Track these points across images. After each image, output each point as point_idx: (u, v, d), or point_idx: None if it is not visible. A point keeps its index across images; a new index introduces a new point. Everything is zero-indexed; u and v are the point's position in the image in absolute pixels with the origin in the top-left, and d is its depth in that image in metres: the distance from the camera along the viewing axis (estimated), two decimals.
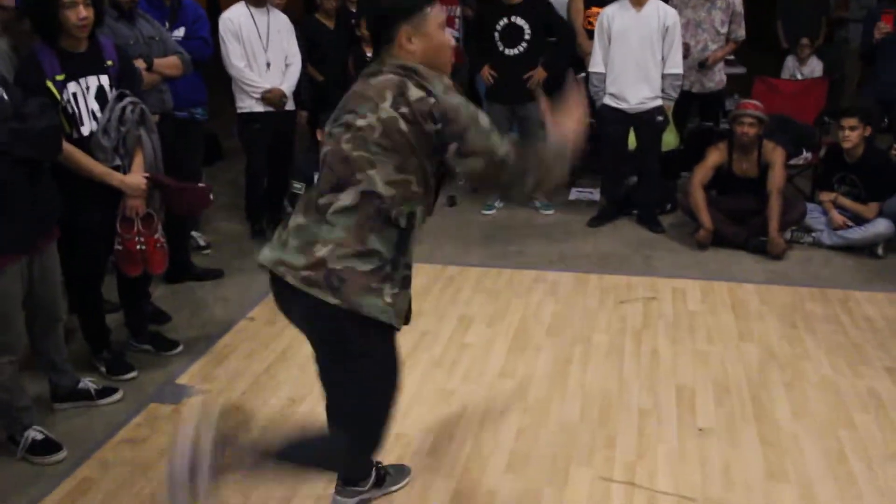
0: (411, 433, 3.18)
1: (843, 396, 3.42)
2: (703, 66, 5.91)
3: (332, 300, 2.10)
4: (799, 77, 7.44)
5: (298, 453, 2.30)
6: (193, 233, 5.15)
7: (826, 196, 5.27)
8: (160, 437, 3.17)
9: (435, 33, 2.19)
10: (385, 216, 2.13)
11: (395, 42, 2.19)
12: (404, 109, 2.09)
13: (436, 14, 2.19)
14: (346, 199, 2.14)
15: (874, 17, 5.53)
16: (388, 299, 2.17)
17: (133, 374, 3.63)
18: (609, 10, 5.30)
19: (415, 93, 2.10)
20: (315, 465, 2.39)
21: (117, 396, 3.45)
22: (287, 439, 2.31)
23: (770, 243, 5.02)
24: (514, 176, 2.15)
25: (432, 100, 2.09)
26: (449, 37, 2.27)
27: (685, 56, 5.65)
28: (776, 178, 5.13)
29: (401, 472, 2.91)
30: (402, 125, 2.09)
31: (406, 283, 2.28)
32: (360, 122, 2.14)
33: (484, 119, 2.15)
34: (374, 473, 2.77)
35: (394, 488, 2.85)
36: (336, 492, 2.72)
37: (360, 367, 2.22)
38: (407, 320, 2.33)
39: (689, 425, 3.21)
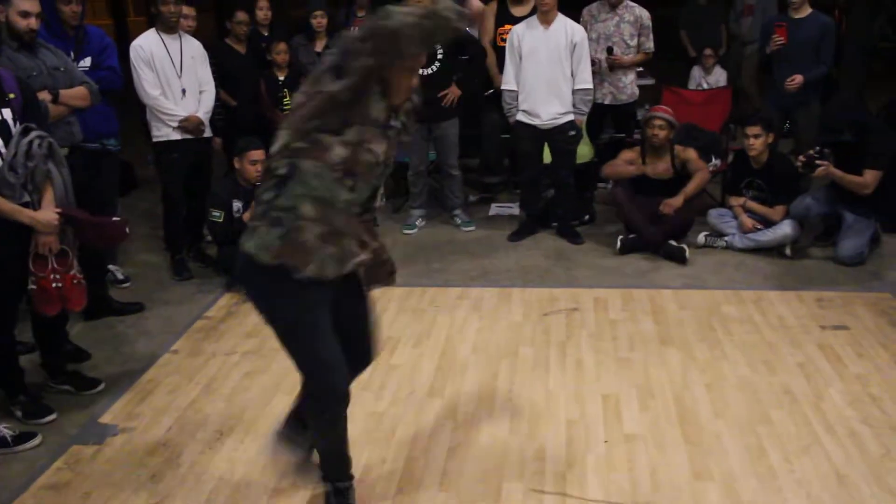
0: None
1: (760, 394, 3.55)
2: (612, 67, 6.07)
3: None
4: (705, 86, 7.71)
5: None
6: (111, 266, 5.03)
7: (735, 201, 5.48)
8: (83, 481, 3.07)
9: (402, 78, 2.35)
10: None
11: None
12: None
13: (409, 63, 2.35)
14: None
15: (769, 30, 5.79)
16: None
17: (52, 416, 3.51)
18: (518, 29, 5.41)
19: None
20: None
21: (36, 441, 3.33)
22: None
23: (665, 204, 5.29)
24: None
25: None
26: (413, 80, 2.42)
27: (596, 71, 5.82)
28: (699, 166, 5.41)
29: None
30: None
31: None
32: None
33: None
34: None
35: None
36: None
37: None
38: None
39: (617, 432, 3.29)
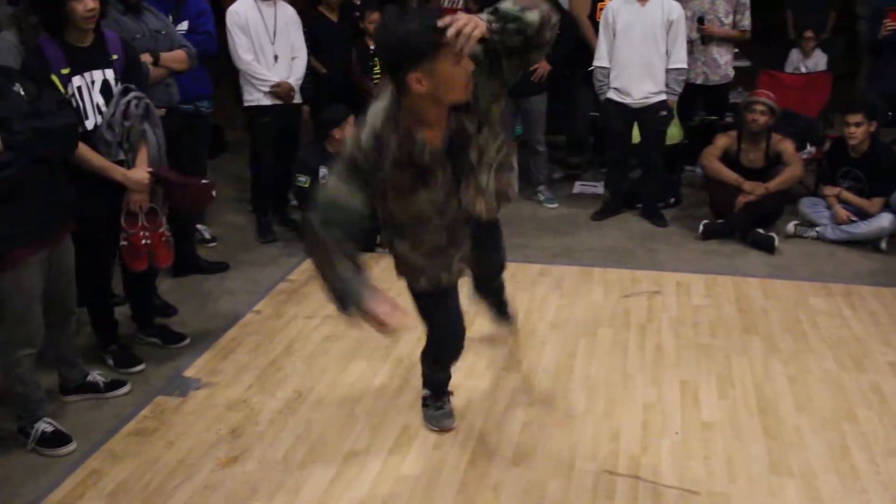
0: (416, 426, 3.20)
1: (847, 391, 3.44)
2: (703, 39, 5.90)
3: None
4: (803, 70, 7.42)
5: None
6: (199, 226, 5.17)
7: (830, 191, 5.28)
8: (167, 430, 3.19)
9: (446, 71, 2.21)
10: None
11: (404, 84, 2.25)
12: None
13: (446, 51, 2.17)
14: None
15: (880, 14, 5.51)
16: None
17: (141, 367, 3.66)
18: (613, 5, 5.30)
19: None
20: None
21: (125, 389, 3.47)
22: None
23: (742, 194, 5.17)
24: None
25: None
26: (463, 68, 2.23)
27: (689, 50, 5.66)
28: (794, 160, 5.25)
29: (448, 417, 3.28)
30: None
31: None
32: None
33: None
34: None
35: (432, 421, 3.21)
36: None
37: None
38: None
39: (694, 419, 3.23)
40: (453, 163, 2.47)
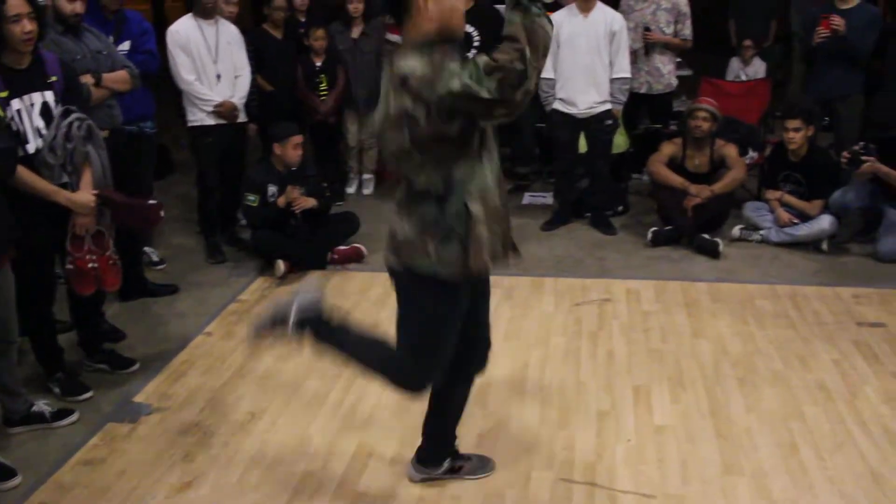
0: (374, 441, 3.19)
1: (794, 390, 3.51)
2: (647, 49, 6.02)
3: None
4: (743, 78, 7.60)
5: (366, 350, 2.64)
6: (146, 248, 5.10)
7: (772, 194, 5.41)
8: (118, 458, 3.13)
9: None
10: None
11: (413, 8, 2.28)
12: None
13: None
14: None
15: (814, 22, 5.68)
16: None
17: (89, 394, 3.58)
18: (557, 17, 5.36)
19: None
20: (374, 368, 2.64)
21: (73, 418, 3.39)
22: (362, 335, 2.68)
23: (688, 199, 5.26)
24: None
25: None
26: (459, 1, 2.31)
27: (633, 61, 5.76)
28: (737, 163, 5.36)
29: (485, 463, 3.00)
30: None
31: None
32: None
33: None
34: (447, 463, 2.92)
35: (470, 477, 2.95)
36: (411, 462, 2.94)
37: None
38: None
39: (647, 423, 3.27)
40: None
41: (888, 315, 4.24)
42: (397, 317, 2.55)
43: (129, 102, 4.30)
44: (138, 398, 3.58)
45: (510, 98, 2.15)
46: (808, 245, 5.22)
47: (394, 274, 2.52)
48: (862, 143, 4.95)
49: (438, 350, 2.52)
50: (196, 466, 3.07)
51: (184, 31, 4.88)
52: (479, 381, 3.57)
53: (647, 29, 6.04)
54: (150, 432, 3.31)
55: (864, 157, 4.87)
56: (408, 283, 2.47)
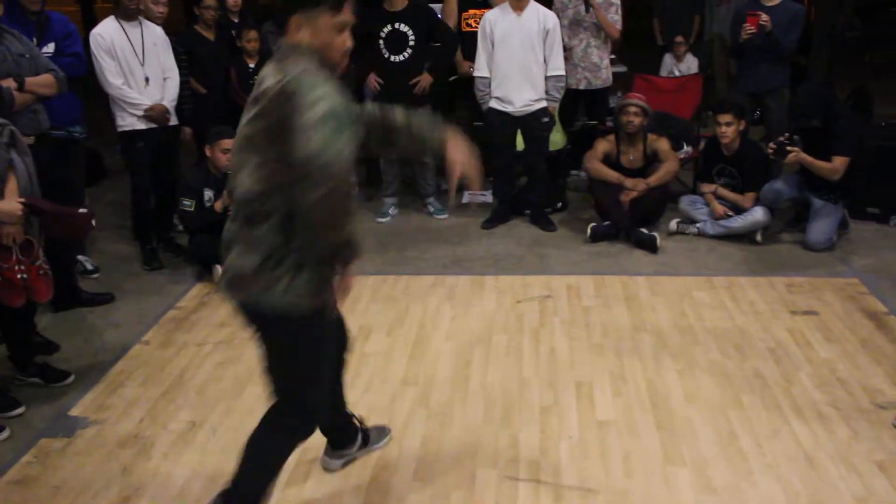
0: (318, 447, 3.15)
1: (732, 379, 3.59)
2: (587, 7, 6.05)
3: None
4: (676, 74, 7.74)
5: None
6: (80, 256, 4.96)
7: (707, 188, 5.51)
8: (53, 475, 3.03)
9: (324, 31, 2.21)
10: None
11: (287, 28, 2.25)
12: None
13: (333, 16, 2.21)
14: None
15: (740, 18, 5.81)
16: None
17: (20, 409, 3.46)
18: (490, 15, 5.39)
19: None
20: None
21: (4, 435, 3.28)
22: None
23: (625, 193, 5.33)
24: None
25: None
26: (343, 41, 2.26)
27: (567, 58, 5.82)
28: (670, 156, 5.44)
29: (382, 432, 3.14)
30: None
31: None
32: None
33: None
34: (359, 436, 3.01)
35: (377, 446, 3.09)
36: (325, 453, 2.98)
37: None
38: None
39: (590, 418, 3.30)
40: None
41: (819, 303, 4.36)
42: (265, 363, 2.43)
43: (56, 107, 4.18)
44: (73, 412, 3.48)
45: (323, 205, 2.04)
46: (743, 236, 5.34)
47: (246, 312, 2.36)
48: (787, 134, 5.09)
49: (321, 377, 2.46)
50: (135, 480, 2.99)
51: (107, 34, 4.75)
52: (421, 381, 3.61)
53: (587, 5, 6.07)
54: (87, 446, 3.22)
55: (788, 148, 5.01)
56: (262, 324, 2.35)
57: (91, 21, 14.84)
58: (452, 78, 6.27)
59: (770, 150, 5.12)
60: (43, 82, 3.90)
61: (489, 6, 5.63)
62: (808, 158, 5.03)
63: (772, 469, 2.95)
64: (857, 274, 4.76)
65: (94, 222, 3.63)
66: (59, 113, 4.29)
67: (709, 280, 4.70)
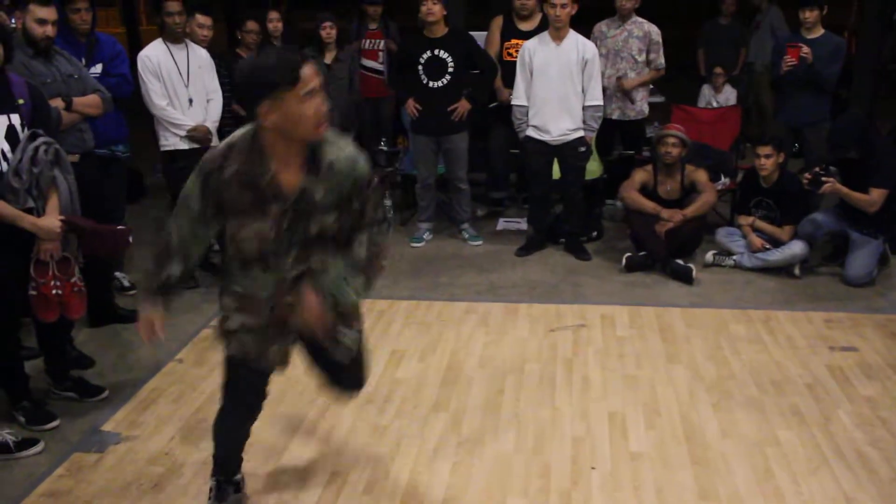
0: (346, 471, 3.14)
1: (768, 414, 3.52)
2: (623, 100, 6.10)
3: None
4: (714, 105, 7.70)
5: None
6: (117, 273, 5.03)
7: (744, 220, 5.45)
8: (85, 488, 3.05)
9: (292, 107, 2.24)
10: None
11: (259, 116, 2.29)
12: None
13: (297, 90, 2.22)
14: None
15: (781, 50, 5.78)
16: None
17: (55, 423, 3.50)
18: (530, 45, 5.41)
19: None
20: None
21: (38, 448, 3.31)
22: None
23: (661, 224, 5.29)
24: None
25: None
26: (312, 107, 2.27)
27: (605, 87, 5.81)
28: (708, 187, 5.39)
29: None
30: None
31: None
32: None
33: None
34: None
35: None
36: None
37: None
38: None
39: (622, 450, 3.26)
40: (293, 217, 2.39)
41: (859, 339, 4.27)
42: None
43: (101, 126, 4.27)
44: (106, 427, 3.51)
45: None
46: (781, 270, 5.26)
47: None
48: (823, 165, 5.03)
49: None
50: (165, 497, 3.00)
51: (154, 56, 4.85)
52: (453, 408, 3.58)
53: (619, 78, 6.11)
54: (118, 462, 3.24)
55: (824, 179, 4.95)
56: None
57: (136, 43, 15.17)
58: (492, 105, 6.29)
59: (805, 181, 5.07)
60: (90, 102, 3.99)
61: (529, 35, 5.65)
62: (844, 189, 4.97)
63: None
64: None
65: (131, 239, 3.68)
66: (105, 132, 4.38)
67: (745, 313, 4.64)
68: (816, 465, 3.13)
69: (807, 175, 5.07)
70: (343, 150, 2.41)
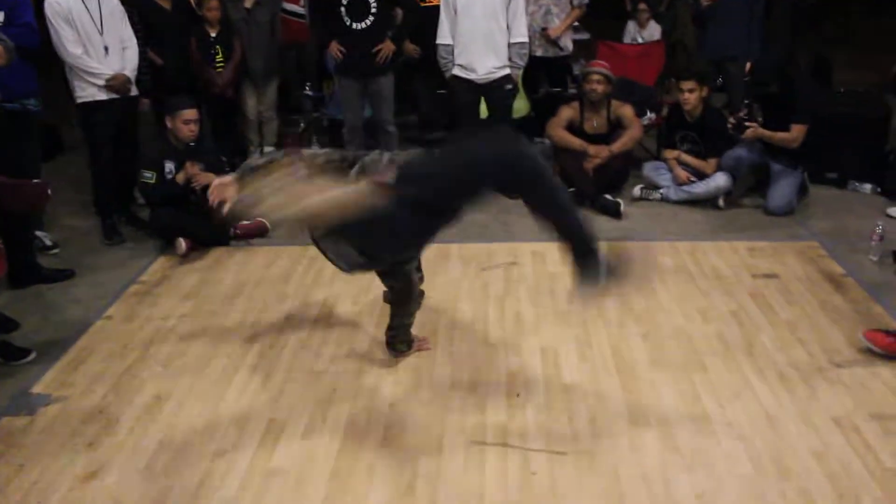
0: (283, 419, 3.15)
1: (695, 342, 3.64)
2: (548, 40, 6.07)
3: None
4: (640, 41, 7.74)
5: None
6: (38, 232, 4.86)
7: (670, 154, 5.55)
8: (16, 453, 2.99)
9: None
10: None
11: None
12: None
13: None
14: None
15: None
16: None
17: None
18: None
19: None
20: None
21: None
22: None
23: (588, 160, 5.35)
24: None
25: None
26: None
27: (528, 24, 5.78)
28: (634, 123, 5.42)
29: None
30: None
31: None
32: None
33: None
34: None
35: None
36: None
37: None
38: None
39: (556, 382, 3.33)
40: None
41: (780, 266, 4.42)
42: None
43: (8, 78, 4.08)
44: (36, 389, 3.43)
45: None
46: (706, 202, 5.39)
47: None
48: (745, 110, 5.12)
49: None
50: (101, 455, 2.97)
51: (64, 1, 4.62)
52: (387, 351, 3.60)
53: (543, 29, 6.07)
54: (50, 424, 3.18)
55: (747, 123, 5.06)
56: None
57: None
58: (399, 59, 6.17)
59: (730, 125, 5.16)
60: None
61: None
62: (767, 133, 5.09)
63: (733, 428, 3.00)
64: (816, 237, 4.84)
65: (49, 192, 3.56)
66: (13, 85, 4.19)
67: (672, 245, 4.75)
68: (740, 388, 3.26)
69: (731, 120, 5.16)
70: None
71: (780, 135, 5.09)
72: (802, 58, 7.88)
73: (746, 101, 5.14)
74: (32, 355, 3.67)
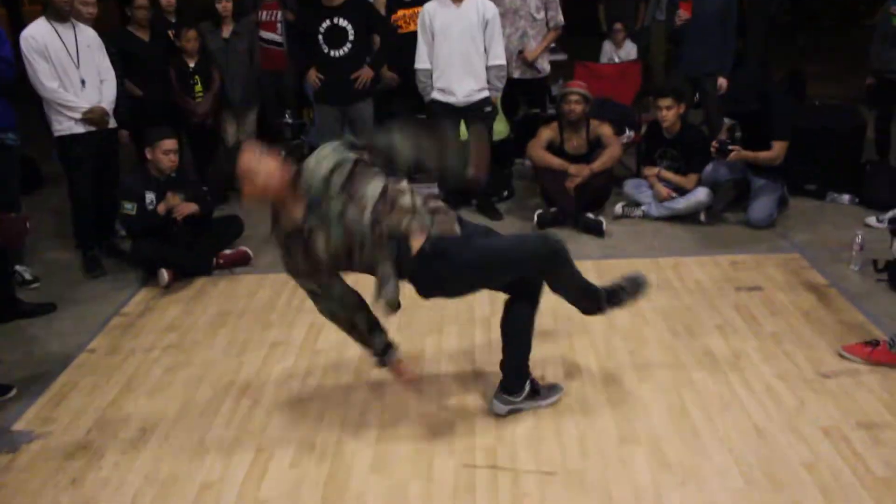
0: (271, 448, 3.11)
1: (682, 357, 3.64)
2: (525, 62, 6.12)
3: None
4: (616, 60, 7.82)
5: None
6: (17, 267, 4.82)
7: (650, 171, 5.58)
8: None
9: None
10: None
11: None
12: None
13: None
14: None
15: (674, 5, 5.90)
16: None
17: None
18: (430, 7, 5.37)
19: None
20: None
21: None
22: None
23: (570, 179, 5.35)
24: None
25: None
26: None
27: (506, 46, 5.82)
28: (612, 141, 5.45)
29: (554, 389, 3.34)
30: None
31: None
32: None
33: None
34: (527, 386, 3.22)
35: (544, 402, 3.27)
36: (495, 396, 3.24)
37: None
38: None
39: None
40: None
41: (763, 278, 4.44)
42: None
43: None
44: (17, 426, 3.38)
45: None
46: (687, 217, 5.42)
47: None
48: (727, 133, 5.17)
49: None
50: (86, 491, 2.92)
51: (39, 35, 4.60)
52: (374, 374, 3.58)
53: (520, 52, 6.12)
54: (32, 461, 3.13)
55: (730, 147, 5.11)
56: None
57: (19, 23, 14.45)
58: (378, 85, 6.17)
59: (713, 150, 5.20)
60: None
61: (419, 5, 5.59)
62: (751, 154, 5.13)
63: (723, 442, 3.00)
64: (797, 248, 4.87)
65: (28, 225, 3.53)
66: None
67: (655, 261, 4.76)
68: (728, 401, 3.26)
69: (714, 145, 5.20)
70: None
71: (763, 154, 5.13)
72: (777, 72, 7.98)
73: (728, 123, 5.19)
74: (13, 392, 3.62)
